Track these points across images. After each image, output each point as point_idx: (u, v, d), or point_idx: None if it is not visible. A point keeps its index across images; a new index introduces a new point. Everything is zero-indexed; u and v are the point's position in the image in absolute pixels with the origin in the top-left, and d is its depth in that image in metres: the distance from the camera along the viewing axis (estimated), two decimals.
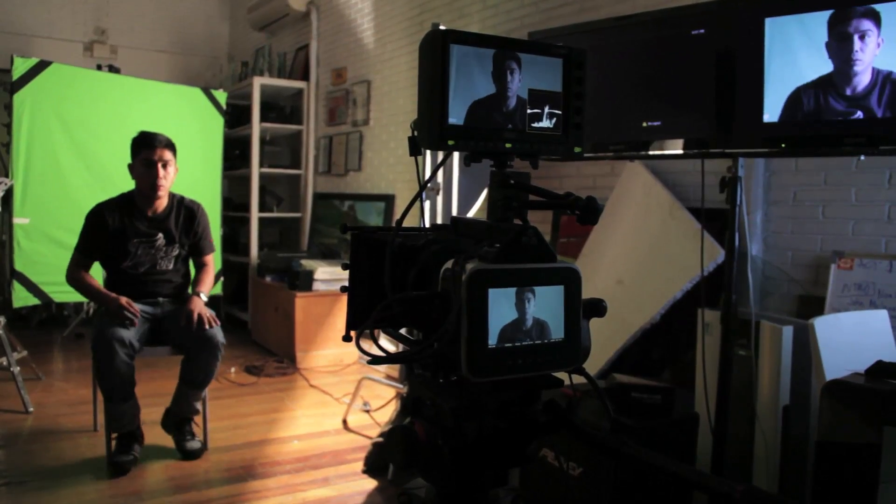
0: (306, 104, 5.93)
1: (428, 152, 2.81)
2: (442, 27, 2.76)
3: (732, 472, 2.29)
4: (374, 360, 1.00)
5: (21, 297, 4.52)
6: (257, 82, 5.72)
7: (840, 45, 1.88)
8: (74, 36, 6.62)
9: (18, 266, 4.51)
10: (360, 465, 2.98)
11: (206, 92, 5.47)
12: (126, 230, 3.05)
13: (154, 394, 3.26)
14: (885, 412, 1.72)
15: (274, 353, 4.97)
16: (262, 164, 5.78)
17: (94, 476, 2.79)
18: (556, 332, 0.97)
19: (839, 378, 1.83)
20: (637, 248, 2.84)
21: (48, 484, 2.73)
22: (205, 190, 5.11)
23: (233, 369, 4.54)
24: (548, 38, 2.60)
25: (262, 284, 5.36)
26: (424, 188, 1.08)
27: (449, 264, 0.99)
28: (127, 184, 3.15)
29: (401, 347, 1.10)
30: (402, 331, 1.15)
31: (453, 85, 0.99)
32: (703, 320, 2.37)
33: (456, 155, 3.10)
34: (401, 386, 3.48)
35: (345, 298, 1.12)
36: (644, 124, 2.30)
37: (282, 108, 6.14)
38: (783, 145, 2.02)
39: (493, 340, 0.92)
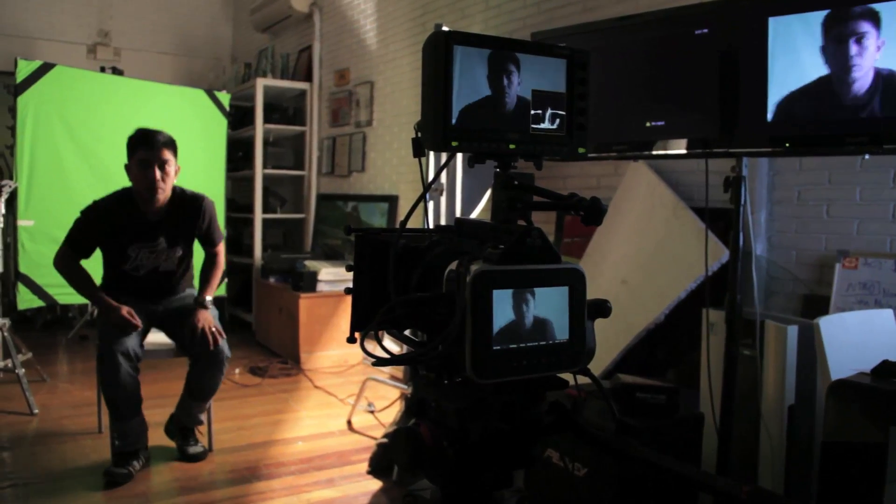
0: (309, 105, 5.94)
1: (431, 153, 2.81)
2: (445, 28, 2.75)
3: (737, 473, 2.29)
4: (379, 362, 1.00)
5: (25, 299, 4.53)
6: (260, 84, 5.73)
7: (838, 48, 1.88)
8: (78, 38, 6.63)
9: (23, 268, 4.52)
10: (364, 466, 2.98)
11: (210, 94, 5.48)
12: (125, 234, 2.91)
13: (158, 395, 3.26)
14: (891, 412, 1.71)
15: (278, 355, 4.98)
16: (265, 166, 5.78)
17: (98, 478, 2.79)
18: (561, 333, 0.97)
19: (845, 378, 1.82)
20: (641, 248, 2.84)
21: (53, 486, 2.74)
22: (208, 191, 5.03)
23: (237, 370, 4.55)
24: (551, 39, 2.60)
25: (265, 286, 5.36)
26: (428, 189, 1.08)
27: (453, 266, 0.99)
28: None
29: (405, 349, 1.10)
30: (407, 332, 1.15)
31: (457, 86, 0.99)
32: (707, 320, 2.37)
33: (459, 156, 3.11)
34: (405, 387, 3.48)
35: (349, 299, 1.12)
36: (647, 124, 2.30)
37: (285, 109, 6.15)
38: (787, 145, 2.02)
39: (497, 342, 0.92)
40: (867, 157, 2.25)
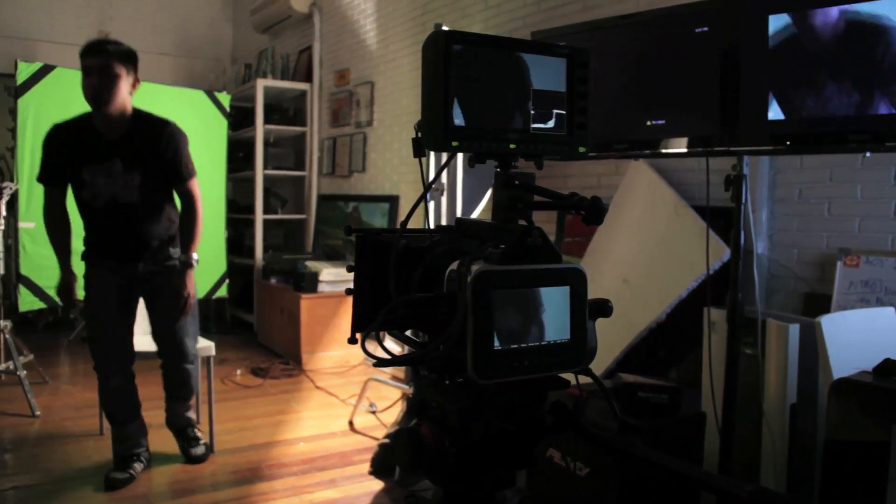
0: (310, 106, 5.94)
1: (432, 153, 2.81)
2: (445, 28, 2.75)
3: (740, 471, 2.29)
4: (380, 363, 1.00)
5: (27, 301, 4.53)
6: (261, 84, 5.73)
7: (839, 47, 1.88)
8: (78, 40, 6.55)
9: (24, 270, 4.52)
10: (366, 467, 2.98)
11: (210, 94, 5.48)
12: (80, 154, 2.69)
13: (158, 397, 3.25)
14: (893, 410, 1.71)
15: (279, 355, 4.98)
16: (266, 166, 5.79)
17: (100, 480, 2.79)
18: (562, 332, 0.97)
19: (847, 376, 1.82)
20: (642, 247, 2.84)
21: (55, 487, 2.74)
22: (209, 192, 5.11)
23: (238, 371, 4.55)
24: (551, 38, 2.59)
25: (267, 286, 5.36)
26: (429, 190, 1.08)
27: (454, 266, 0.99)
28: None
29: (406, 349, 1.10)
30: (408, 332, 1.15)
31: (457, 86, 0.99)
32: (709, 319, 2.36)
33: (460, 155, 3.10)
34: (407, 387, 3.48)
35: (350, 300, 1.12)
36: (648, 123, 2.30)
37: (285, 109, 6.15)
38: (788, 143, 2.01)
39: (498, 342, 0.92)
40: (868, 154, 2.25)
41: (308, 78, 5.96)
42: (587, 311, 0.99)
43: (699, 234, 2.52)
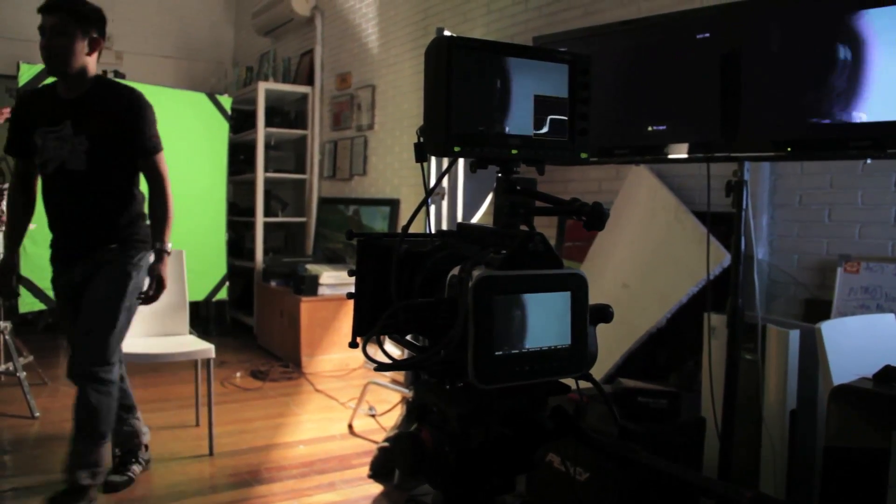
0: (311, 109, 5.95)
1: (433, 157, 2.81)
2: (447, 33, 2.75)
3: (739, 477, 2.28)
4: (381, 367, 1.00)
5: (27, 303, 4.53)
6: (262, 87, 5.74)
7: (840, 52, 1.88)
8: None
9: (24, 271, 4.51)
10: (366, 470, 2.98)
11: (211, 97, 5.49)
12: (36, 118, 2.51)
13: (159, 398, 3.26)
14: (892, 417, 1.71)
15: (279, 358, 4.98)
16: (267, 169, 5.79)
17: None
18: (563, 338, 0.97)
19: (847, 383, 1.82)
20: (643, 252, 2.84)
21: (54, 489, 2.73)
22: (210, 195, 5.13)
23: (238, 374, 4.55)
24: (552, 43, 2.60)
25: (267, 289, 5.36)
26: (430, 195, 1.08)
27: (455, 271, 0.99)
28: None
29: (407, 353, 1.10)
30: (409, 337, 1.15)
31: (459, 91, 0.99)
32: (709, 324, 2.37)
33: (461, 160, 3.10)
34: (406, 390, 3.48)
35: (350, 303, 1.12)
36: (649, 128, 2.30)
37: (286, 112, 6.16)
38: (789, 149, 2.02)
39: (499, 347, 0.92)
40: (869, 161, 2.26)
41: (309, 81, 5.97)
42: (588, 316, 0.99)
43: (700, 239, 2.52)
